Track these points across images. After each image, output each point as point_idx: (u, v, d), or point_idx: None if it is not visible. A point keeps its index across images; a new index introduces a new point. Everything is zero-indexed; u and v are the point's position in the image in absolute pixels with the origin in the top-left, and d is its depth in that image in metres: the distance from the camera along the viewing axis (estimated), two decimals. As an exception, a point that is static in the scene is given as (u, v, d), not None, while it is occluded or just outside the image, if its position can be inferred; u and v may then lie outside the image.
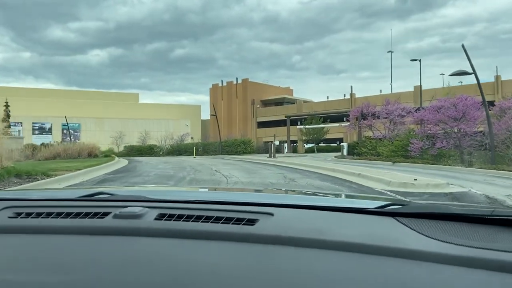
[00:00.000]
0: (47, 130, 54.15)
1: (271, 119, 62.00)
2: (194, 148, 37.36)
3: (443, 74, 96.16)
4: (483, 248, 0.79)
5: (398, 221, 0.98)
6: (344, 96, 58.62)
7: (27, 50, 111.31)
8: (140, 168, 15.21)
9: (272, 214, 1.01)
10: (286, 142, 51.19)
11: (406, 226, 0.94)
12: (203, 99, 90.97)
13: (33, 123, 53.33)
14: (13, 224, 1.04)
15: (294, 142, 53.65)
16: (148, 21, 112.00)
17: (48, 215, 1.06)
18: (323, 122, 48.83)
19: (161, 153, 47.77)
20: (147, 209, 1.05)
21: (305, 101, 63.22)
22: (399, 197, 6.60)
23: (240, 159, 26.11)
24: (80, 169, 11.96)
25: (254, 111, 63.50)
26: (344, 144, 28.86)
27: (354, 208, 1.14)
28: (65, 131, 52.81)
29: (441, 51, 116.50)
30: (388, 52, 69.07)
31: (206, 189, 2.52)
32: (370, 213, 1.07)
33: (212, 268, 0.78)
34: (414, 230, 0.91)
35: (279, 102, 64.96)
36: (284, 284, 0.72)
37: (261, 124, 63.28)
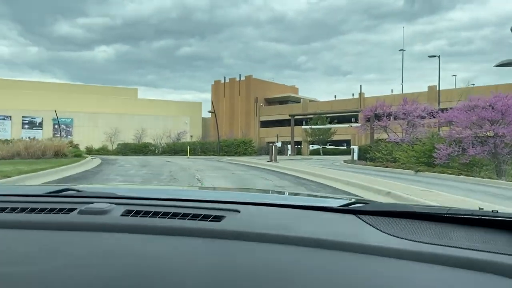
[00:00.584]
0: (37, 124, 51.28)
1: (274, 118, 58.72)
2: (188, 148, 34.18)
3: (455, 76, 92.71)
4: (435, 244, 0.83)
5: (359, 218, 1.02)
6: (353, 95, 55.34)
7: (35, 45, 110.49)
8: (103, 175, 12.12)
9: (238, 211, 1.02)
10: (290, 143, 48.05)
11: (367, 223, 0.98)
12: (208, 97, 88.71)
13: (22, 117, 50.45)
14: None
15: (298, 143, 50.46)
16: (155, 19, 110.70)
17: (13, 210, 1.04)
18: (330, 122, 45.58)
19: (156, 152, 44.78)
20: (113, 205, 1.03)
21: (310, 100, 59.93)
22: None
23: (237, 162, 23.00)
24: (9, 177, 8.91)
25: (257, 109, 60.25)
26: (355, 148, 25.67)
27: (319, 206, 1.14)
28: (56, 126, 49.88)
29: (448, 54, 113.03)
30: (399, 50, 65.76)
31: (176, 187, 2.51)
32: (333, 211, 1.10)
33: (178, 263, 0.79)
34: (374, 227, 0.95)
35: (283, 101, 61.65)
36: (248, 278, 0.74)
37: (264, 124, 59.98)
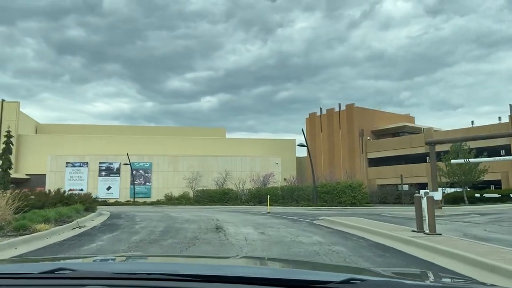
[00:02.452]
0: (115, 170, 46.62)
1: (387, 155, 46.09)
2: (268, 198, 24.13)
3: None
4: None
5: None
6: (499, 119, 40.48)
7: (150, 100, 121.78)
8: None
9: None
10: (418, 185, 35.15)
11: None
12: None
13: (99, 163, 46.33)
14: None
15: (423, 185, 37.21)
16: (254, 67, 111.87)
17: None
18: (475, 156, 31.84)
19: (239, 199, 35.84)
20: None
21: (435, 130, 46.19)
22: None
23: (348, 231, 12.19)
24: None
25: (364, 144, 48.29)
26: None
27: (318, 281, 1.16)
28: (134, 171, 44.51)
29: None
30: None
31: (169, 259, 2.43)
32: None
33: None
34: None
35: (397, 132, 48.88)
36: None
37: (374, 162, 47.57)
